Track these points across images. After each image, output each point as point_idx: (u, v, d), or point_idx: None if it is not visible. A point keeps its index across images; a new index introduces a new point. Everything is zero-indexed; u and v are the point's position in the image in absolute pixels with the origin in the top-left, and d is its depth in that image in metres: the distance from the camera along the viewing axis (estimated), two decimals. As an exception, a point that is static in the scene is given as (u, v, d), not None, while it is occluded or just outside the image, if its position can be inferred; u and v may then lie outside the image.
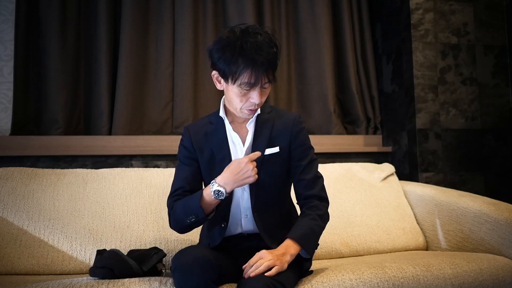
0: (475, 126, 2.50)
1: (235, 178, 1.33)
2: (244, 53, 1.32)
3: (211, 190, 1.33)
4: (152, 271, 1.48)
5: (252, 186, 1.44)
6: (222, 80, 1.42)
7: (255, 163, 1.35)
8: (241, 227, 1.48)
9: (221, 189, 1.33)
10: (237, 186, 1.35)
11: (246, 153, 1.46)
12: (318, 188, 1.47)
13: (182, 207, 1.39)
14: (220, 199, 1.34)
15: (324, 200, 1.48)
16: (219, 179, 1.34)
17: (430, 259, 1.52)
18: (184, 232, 1.46)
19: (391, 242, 2.03)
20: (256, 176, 1.34)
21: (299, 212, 1.54)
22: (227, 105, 1.49)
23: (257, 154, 1.37)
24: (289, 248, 1.32)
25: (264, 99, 1.42)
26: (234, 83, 1.36)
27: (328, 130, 2.62)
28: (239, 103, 1.39)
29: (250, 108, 1.40)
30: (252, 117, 1.46)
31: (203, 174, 1.50)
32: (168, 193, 1.92)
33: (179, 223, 1.41)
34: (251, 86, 1.35)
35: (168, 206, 1.46)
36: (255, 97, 1.37)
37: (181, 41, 2.44)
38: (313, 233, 1.39)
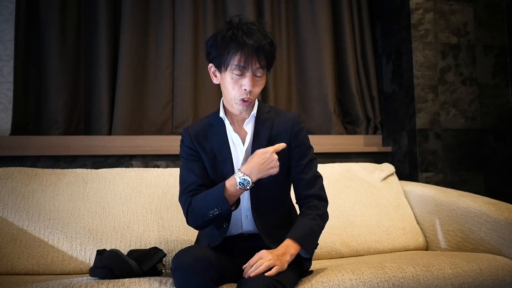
0: (475, 126, 2.50)
1: (260, 168, 1.33)
2: (235, 38, 1.35)
3: (237, 181, 1.32)
4: (152, 271, 1.48)
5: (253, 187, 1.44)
6: (217, 73, 1.43)
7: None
8: (241, 228, 1.48)
9: (247, 178, 1.32)
10: (261, 177, 1.34)
11: (246, 154, 1.46)
12: (318, 188, 1.47)
13: (204, 200, 1.37)
14: (246, 189, 1.34)
15: (324, 200, 1.48)
16: (243, 168, 1.34)
17: (430, 259, 1.52)
18: (203, 228, 1.45)
19: (391, 242, 2.03)
20: (278, 168, 1.34)
21: (298, 212, 1.54)
22: (225, 104, 1.49)
23: (282, 145, 1.37)
24: (289, 248, 1.32)
25: (257, 90, 1.40)
26: (226, 70, 1.38)
27: (328, 130, 2.62)
28: (231, 91, 1.39)
29: (243, 97, 1.39)
30: (246, 110, 1.44)
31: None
32: (168, 193, 1.94)
33: (199, 218, 1.38)
34: (241, 69, 1.36)
35: (183, 203, 1.43)
36: (246, 83, 1.37)
37: (181, 41, 2.44)
38: (313, 233, 1.39)
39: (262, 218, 1.45)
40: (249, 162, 1.35)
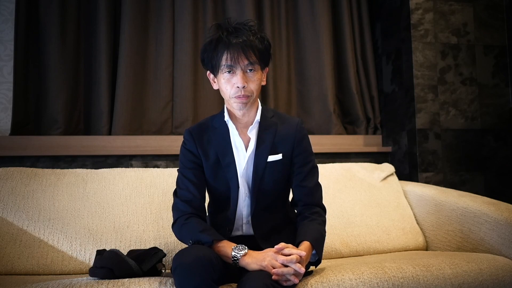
0: (475, 126, 2.50)
1: (261, 258, 1.28)
2: (221, 39, 1.37)
3: (232, 259, 1.29)
4: (151, 271, 1.48)
5: (254, 193, 1.44)
6: (215, 78, 1.45)
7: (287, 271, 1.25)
8: (242, 232, 1.49)
9: (241, 260, 1.29)
10: (252, 268, 1.28)
11: (249, 159, 1.46)
12: (318, 196, 1.51)
13: (191, 233, 1.36)
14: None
15: (324, 209, 1.52)
16: (246, 260, 1.28)
17: (430, 259, 1.52)
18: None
19: (391, 242, 2.03)
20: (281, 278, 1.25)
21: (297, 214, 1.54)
22: (228, 107, 1.49)
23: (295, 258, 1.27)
24: (309, 252, 1.34)
25: (251, 86, 1.40)
26: (218, 72, 1.40)
27: (328, 130, 2.62)
28: (226, 91, 1.40)
29: (237, 94, 1.38)
30: (247, 109, 1.44)
31: (207, 177, 1.49)
32: (168, 193, 1.94)
33: (179, 237, 1.42)
34: (230, 68, 1.37)
35: (178, 211, 1.42)
36: (237, 80, 1.37)
37: (181, 41, 2.44)
38: (322, 238, 1.42)
39: (261, 222, 1.46)
40: (252, 258, 1.29)
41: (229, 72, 1.38)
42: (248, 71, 1.39)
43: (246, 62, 1.37)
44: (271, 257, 1.26)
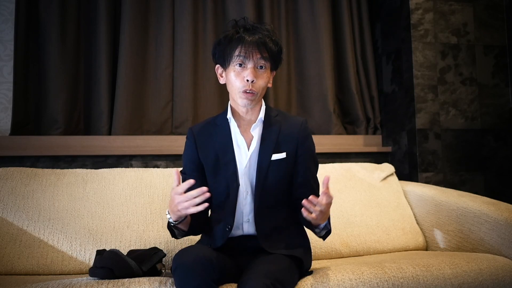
0: (475, 126, 2.50)
1: (172, 209, 1.33)
2: (238, 35, 1.40)
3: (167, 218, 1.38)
4: (152, 271, 1.48)
5: (257, 191, 1.44)
6: (223, 72, 1.46)
7: (189, 195, 1.25)
8: (242, 231, 1.48)
9: (168, 217, 1.36)
10: (180, 216, 1.33)
11: (252, 158, 1.45)
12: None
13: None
14: (179, 224, 1.37)
15: None
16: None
17: (429, 259, 1.52)
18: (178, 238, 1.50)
19: (391, 242, 2.03)
20: (191, 209, 1.25)
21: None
22: (232, 104, 1.50)
23: (190, 182, 1.27)
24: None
25: (260, 82, 1.41)
26: (229, 65, 1.42)
27: (328, 130, 2.62)
28: (234, 84, 1.41)
29: (245, 88, 1.40)
30: (252, 107, 1.45)
31: (207, 177, 1.49)
32: (168, 193, 1.94)
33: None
34: (242, 60, 1.39)
35: None
36: (247, 74, 1.39)
37: (180, 42, 2.44)
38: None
39: (263, 221, 1.45)
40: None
41: (240, 65, 1.40)
42: (259, 67, 1.41)
43: (258, 56, 1.40)
44: None
